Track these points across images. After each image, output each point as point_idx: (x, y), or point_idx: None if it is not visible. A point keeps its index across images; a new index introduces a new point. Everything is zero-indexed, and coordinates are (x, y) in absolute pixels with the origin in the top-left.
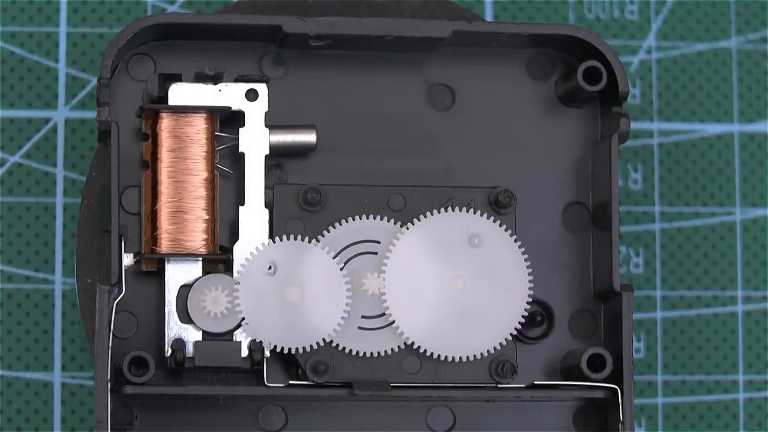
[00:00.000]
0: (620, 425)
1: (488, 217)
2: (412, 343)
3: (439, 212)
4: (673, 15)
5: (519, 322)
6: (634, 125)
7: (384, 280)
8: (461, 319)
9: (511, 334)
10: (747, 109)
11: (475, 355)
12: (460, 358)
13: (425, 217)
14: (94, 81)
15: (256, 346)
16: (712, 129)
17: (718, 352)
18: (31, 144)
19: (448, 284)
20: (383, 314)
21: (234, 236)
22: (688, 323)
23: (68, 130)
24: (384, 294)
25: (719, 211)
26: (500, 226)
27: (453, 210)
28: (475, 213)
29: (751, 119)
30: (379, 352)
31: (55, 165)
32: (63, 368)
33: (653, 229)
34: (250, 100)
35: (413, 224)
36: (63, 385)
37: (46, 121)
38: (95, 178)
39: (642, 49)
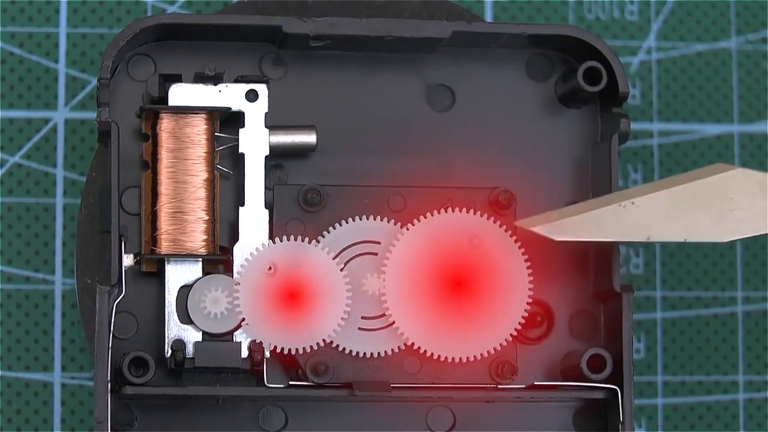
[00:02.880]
0: (620, 426)
1: (488, 218)
2: (413, 343)
3: (438, 213)
4: (672, 15)
5: (519, 323)
6: (634, 126)
7: (384, 280)
8: (461, 320)
9: (510, 335)
10: (747, 110)
11: (475, 356)
12: (461, 358)
13: (425, 217)
14: (94, 81)
15: (256, 347)
16: (712, 129)
17: (718, 353)
18: (31, 144)
19: (448, 285)
20: (383, 315)
21: (234, 237)
22: (688, 324)
23: (68, 131)
24: (384, 294)
25: None
26: (500, 226)
27: (453, 211)
28: (474, 214)
29: (751, 120)
30: (379, 353)
31: (55, 165)
32: (63, 369)
33: None
34: (250, 101)
35: (413, 224)
36: (63, 385)
37: (46, 121)
38: (95, 178)
39: (642, 49)
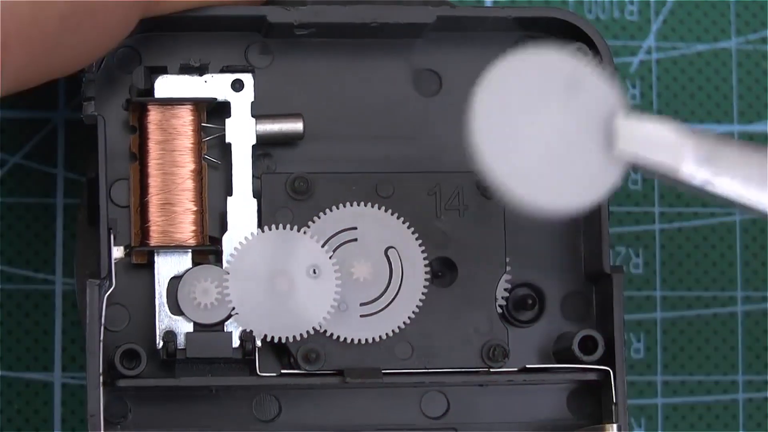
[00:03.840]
0: (613, 407)
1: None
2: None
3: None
4: (672, 16)
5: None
6: None
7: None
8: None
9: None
10: (747, 110)
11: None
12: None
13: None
14: None
15: (247, 336)
16: (712, 130)
17: (718, 353)
18: (31, 145)
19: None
20: (373, 300)
21: (223, 227)
22: (688, 324)
23: (68, 131)
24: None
25: (719, 212)
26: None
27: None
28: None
29: (751, 120)
30: (370, 339)
31: (55, 165)
32: (63, 369)
33: (653, 230)
34: (236, 91)
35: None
36: (63, 385)
37: (46, 121)
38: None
39: (642, 49)
